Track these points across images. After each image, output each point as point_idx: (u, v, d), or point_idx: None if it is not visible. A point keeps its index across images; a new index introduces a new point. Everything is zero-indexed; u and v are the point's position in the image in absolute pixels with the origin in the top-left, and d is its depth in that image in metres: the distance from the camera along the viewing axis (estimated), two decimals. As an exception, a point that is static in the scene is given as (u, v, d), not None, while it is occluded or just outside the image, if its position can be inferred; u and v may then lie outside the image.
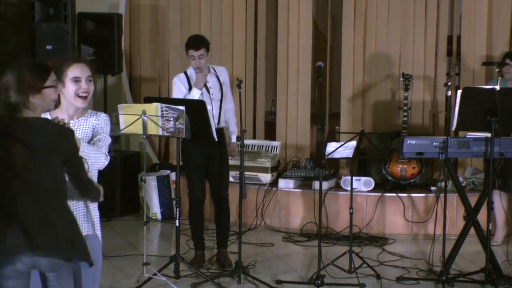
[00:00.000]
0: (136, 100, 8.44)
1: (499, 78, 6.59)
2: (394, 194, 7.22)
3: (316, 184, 7.00)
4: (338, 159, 6.45)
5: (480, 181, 7.21)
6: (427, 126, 7.92)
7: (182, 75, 6.09)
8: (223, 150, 6.15)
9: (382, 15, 7.90)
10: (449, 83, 5.58)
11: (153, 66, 8.74)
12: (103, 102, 8.17)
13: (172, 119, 5.48)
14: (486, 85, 6.99)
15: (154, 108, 5.48)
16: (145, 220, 5.81)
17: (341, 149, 5.94)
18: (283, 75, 8.18)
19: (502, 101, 5.51)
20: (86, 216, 3.83)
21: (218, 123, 6.08)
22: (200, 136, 5.77)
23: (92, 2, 8.32)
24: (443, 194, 5.90)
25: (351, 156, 5.97)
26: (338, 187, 7.43)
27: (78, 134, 3.83)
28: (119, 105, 5.61)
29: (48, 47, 7.74)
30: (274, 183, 7.54)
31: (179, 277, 5.79)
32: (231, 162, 6.41)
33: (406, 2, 7.85)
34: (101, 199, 3.80)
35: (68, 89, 3.82)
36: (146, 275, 5.67)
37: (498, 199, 6.58)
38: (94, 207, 3.91)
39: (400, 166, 7.29)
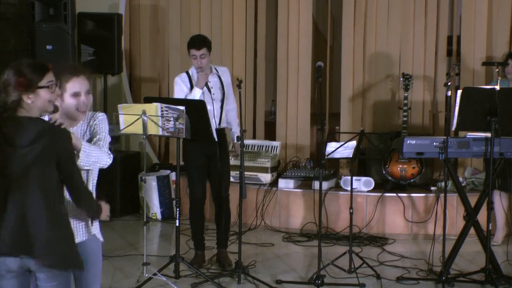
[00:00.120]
0: (136, 100, 8.44)
1: (499, 78, 6.60)
2: (394, 194, 7.21)
3: (316, 184, 7.00)
4: (338, 159, 6.45)
5: (480, 181, 7.20)
6: (427, 126, 7.91)
7: (184, 74, 6.08)
8: (224, 150, 6.14)
9: (382, 15, 7.90)
10: (449, 83, 5.58)
11: (153, 66, 8.74)
12: (103, 102, 8.18)
13: (172, 119, 5.48)
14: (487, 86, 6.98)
15: (154, 108, 5.48)
16: (145, 220, 5.80)
17: (341, 149, 5.94)
18: (283, 75, 8.17)
19: (502, 101, 5.51)
20: (83, 220, 3.70)
21: (219, 123, 6.07)
22: (200, 136, 5.76)
23: (92, 2, 8.31)
24: (443, 194, 5.90)
25: (351, 156, 5.97)
26: (338, 187, 7.42)
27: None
28: (119, 105, 5.60)
29: (48, 47, 7.73)
30: (274, 183, 7.54)
31: (179, 277, 5.79)
32: (231, 162, 6.41)
33: (406, 2, 7.84)
34: (106, 218, 3.64)
35: (67, 104, 3.71)
36: (146, 275, 5.67)
37: (498, 199, 6.58)
38: None
39: (400, 166, 7.29)
